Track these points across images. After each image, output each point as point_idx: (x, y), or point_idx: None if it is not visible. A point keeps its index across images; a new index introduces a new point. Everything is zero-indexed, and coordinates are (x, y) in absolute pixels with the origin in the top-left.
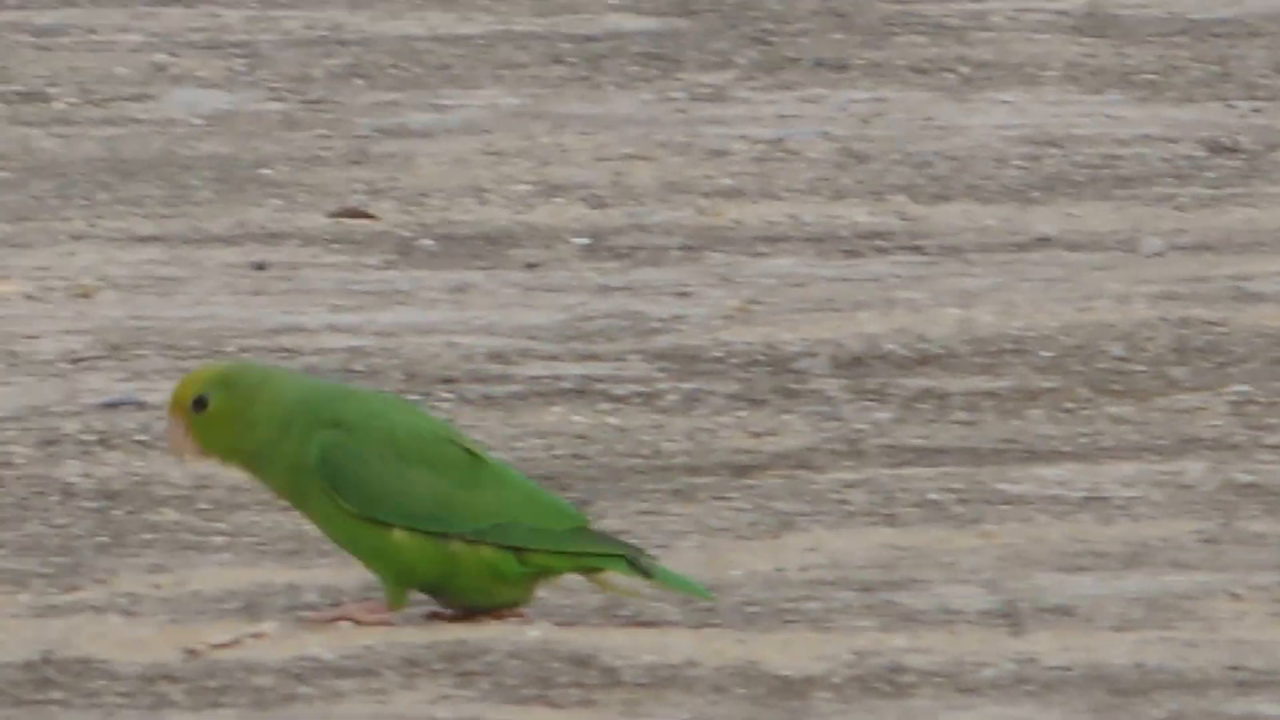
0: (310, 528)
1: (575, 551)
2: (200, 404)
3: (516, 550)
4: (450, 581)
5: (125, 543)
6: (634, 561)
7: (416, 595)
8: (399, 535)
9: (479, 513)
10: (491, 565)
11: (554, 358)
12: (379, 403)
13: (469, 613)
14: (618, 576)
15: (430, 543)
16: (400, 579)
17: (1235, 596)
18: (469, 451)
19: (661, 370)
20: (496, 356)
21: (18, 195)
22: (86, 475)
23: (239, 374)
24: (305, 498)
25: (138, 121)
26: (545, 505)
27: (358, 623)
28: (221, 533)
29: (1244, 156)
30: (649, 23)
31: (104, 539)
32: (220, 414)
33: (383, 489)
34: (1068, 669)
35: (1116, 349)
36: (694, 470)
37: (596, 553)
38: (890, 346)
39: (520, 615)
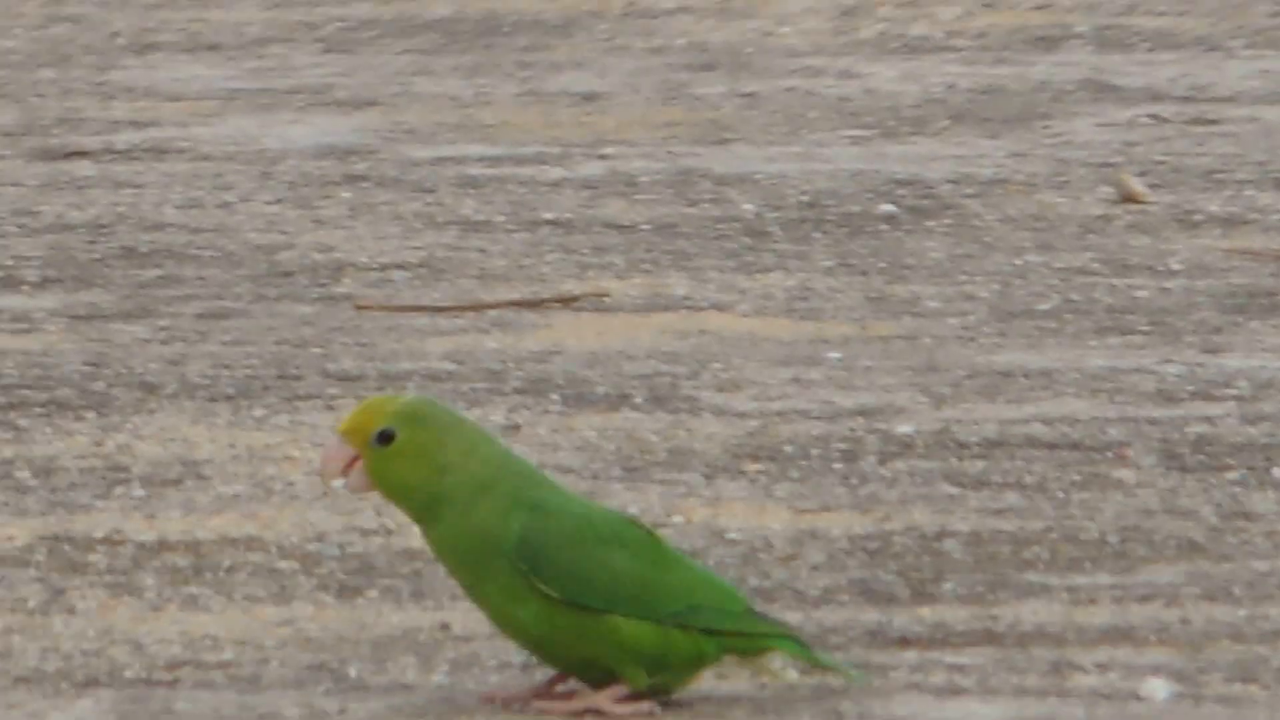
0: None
1: (755, 633)
2: (385, 437)
3: (708, 633)
4: (655, 664)
5: None
6: (801, 643)
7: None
8: (615, 619)
9: (673, 595)
10: (697, 648)
11: None
12: (556, 484)
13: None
14: (778, 658)
15: (648, 625)
16: (616, 660)
17: None
18: (650, 534)
19: None
20: None
21: None
22: None
23: (428, 412)
24: (482, 569)
25: None
26: (719, 586)
27: (609, 716)
28: None
29: None
30: None
31: None
32: (405, 452)
33: (587, 574)
34: None
35: None
36: None
37: (773, 634)
38: None
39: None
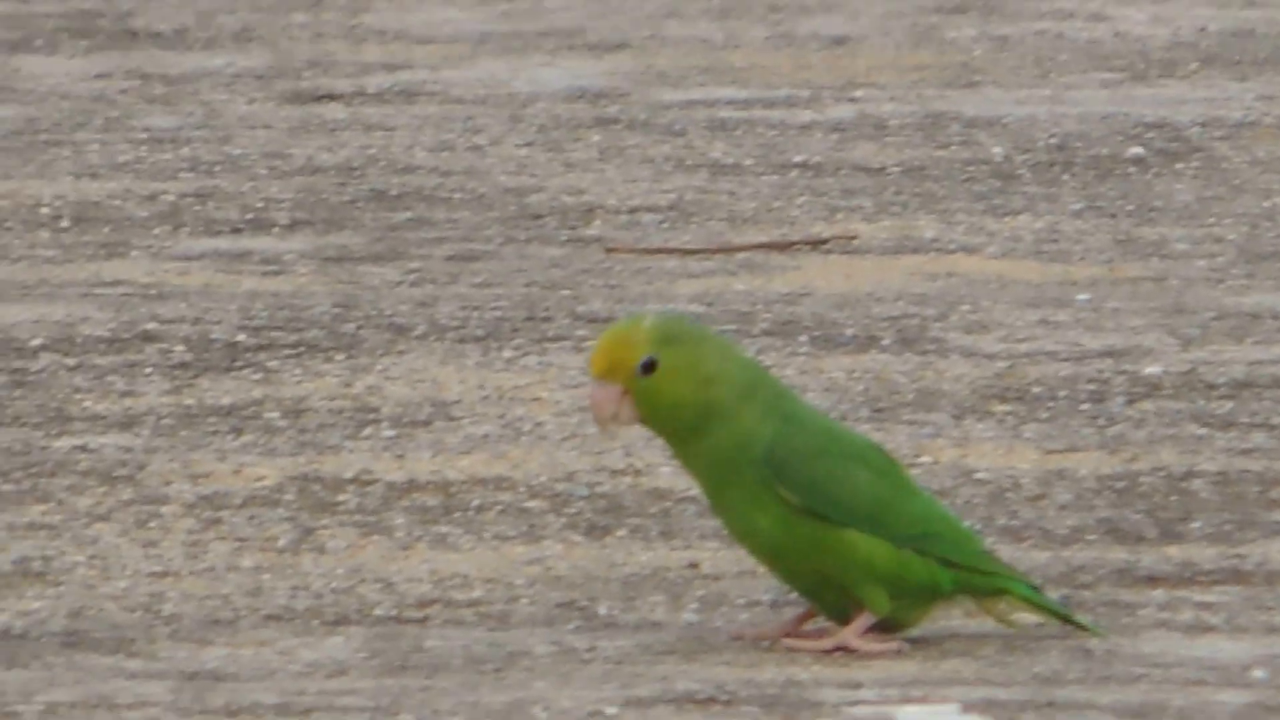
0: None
1: (989, 571)
2: (650, 366)
3: (944, 564)
4: (891, 587)
5: None
6: (1035, 589)
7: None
8: (852, 534)
9: (911, 520)
10: (932, 577)
11: None
12: (803, 400)
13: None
14: (1011, 604)
15: (885, 545)
16: (854, 579)
17: None
18: (892, 461)
19: None
20: None
21: None
22: None
23: (679, 329)
24: (729, 475)
25: None
26: (956, 523)
27: (858, 653)
28: None
29: None
30: None
31: None
32: (671, 374)
33: (828, 486)
34: None
35: None
36: None
37: (1007, 576)
38: None
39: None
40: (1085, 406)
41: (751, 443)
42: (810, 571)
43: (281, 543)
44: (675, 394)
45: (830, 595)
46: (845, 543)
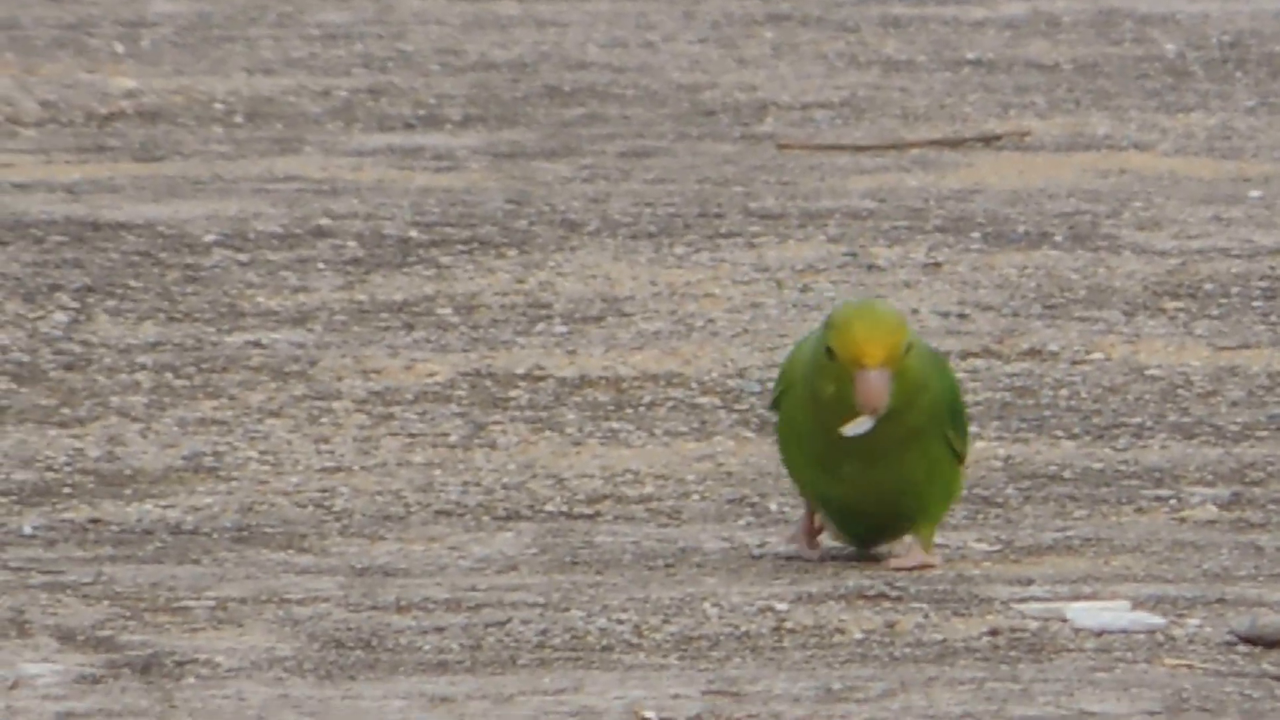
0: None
1: None
2: (910, 349)
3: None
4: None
5: None
6: None
7: None
8: (961, 468)
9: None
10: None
11: None
12: None
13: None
14: None
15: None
16: (943, 512)
17: None
18: None
19: None
20: None
21: None
22: None
23: (899, 311)
24: (907, 448)
25: None
26: None
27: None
28: None
29: None
30: None
31: None
32: (915, 354)
33: (965, 419)
34: None
35: None
36: None
37: None
38: None
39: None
40: (1257, 304)
41: (938, 402)
42: (899, 511)
43: (453, 439)
44: (917, 372)
45: (891, 532)
46: (959, 472)
